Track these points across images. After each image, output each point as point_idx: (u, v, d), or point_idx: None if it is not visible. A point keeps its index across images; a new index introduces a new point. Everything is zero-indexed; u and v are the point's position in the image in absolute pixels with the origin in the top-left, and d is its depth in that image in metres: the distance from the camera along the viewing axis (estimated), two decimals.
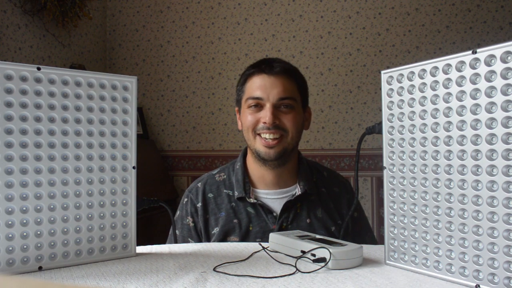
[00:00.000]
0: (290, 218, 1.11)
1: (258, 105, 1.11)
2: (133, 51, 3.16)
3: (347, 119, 2.91)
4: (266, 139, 1.09)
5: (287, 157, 1.13)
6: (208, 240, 1.13)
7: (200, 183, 1.19)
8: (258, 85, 1.11)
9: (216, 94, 3.06)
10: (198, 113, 3.08)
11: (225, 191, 1.16)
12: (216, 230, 1.11)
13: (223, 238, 1.10)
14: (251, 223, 1.11)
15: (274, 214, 1.12)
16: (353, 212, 1.17)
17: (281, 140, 1.10)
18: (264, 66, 1.13)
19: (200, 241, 1.14)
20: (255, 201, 1.12)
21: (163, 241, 1.20)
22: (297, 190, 1.15)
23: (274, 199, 1.15)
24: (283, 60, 1.17)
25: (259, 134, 1.11)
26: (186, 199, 1.19)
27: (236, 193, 1.13)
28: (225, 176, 1.19)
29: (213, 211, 1.14)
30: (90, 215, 0.78)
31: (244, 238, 1.09)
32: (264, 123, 1.09)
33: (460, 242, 0.64)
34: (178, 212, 1.20)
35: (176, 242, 1.04)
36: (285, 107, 1.11)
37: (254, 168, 1.16)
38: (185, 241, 1.15)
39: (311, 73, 2.94)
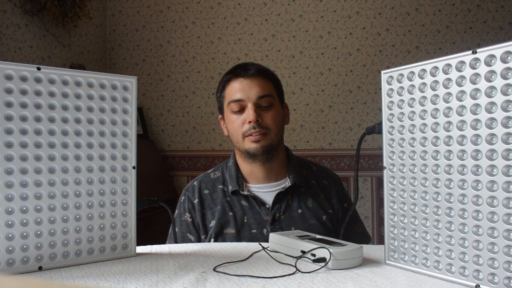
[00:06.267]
0: (282, 209, 1.16)
1: (241, 108, 1.16)
2: (133, 51, 3.16)
3: (347, 119, 2.91)
4: (253, 135, 1.15)
5: (274, 152, 1.19)
6: (206, 233, 1.17)
7: (196, 182, 1.26)
8: (237, 88, 1.17)
9: None
10: (198, 113, 3.08)
11: (220, 186, 1.22)
12: (213, 223, 1.16)
13: (220, 230, 1.15)
14: (246, 215, 1.16)
15: (267, 206, 1.17)
16: (343, 203, 1.24)
17: (265, 136, 1.15)
18: (239, 70, 1.19)
19: (198, 235, 1.18)
20: (248, 193, 1.18)
21: (163, 241, 1.20)
22: (287, 183, 1.20)
23: (266, 192, 1.20)
24: (257, 63, 1.24)
25: (245, 136, 1.16)
26: (183, 197, 1.24)
27: (230, 187, 1.19)
28: (219, 174, 1.25)
29: (210, 206, 1.19)
30: (90, 215, 0.78)
31: (239, 229, 1.14)
32: (249, 122, 1.14)
33: (460, 242, 0.64)
34: (176, 211, 1.25)
35: (176, 240, 1.06)
36: (265, 106, 1.16)
37: (245, 167, 1.22)
38: (184, 237, 1.19)
39: (311, 73, 2.94)
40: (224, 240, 1.13)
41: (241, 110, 1.16)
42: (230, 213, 1.16)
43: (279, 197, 1.17)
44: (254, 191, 1.20)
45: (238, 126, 1.16)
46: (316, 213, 1.17)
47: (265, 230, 1.13)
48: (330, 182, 1.26)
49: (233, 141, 1.21)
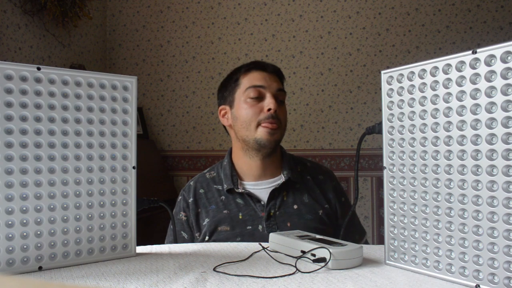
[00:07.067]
0: (277, 205, 1.17)
1: (259, 96, 1.18)
2: (133, 51, 3.16)
3: (347, 119, 2.91)
4: (270, 124, 1.16)
5: (277, 148, 1.23)
6: (199, 231, 1.18)
7: (192, 182, 1.28)
8: (259, 77, 1.20)
9: (216, 94, 3.05)
10: (198, 113, 3.08)
11: (215, 186, 1.23)
12: (206, 222, 1.17)
13: (215, 228, 1.16)
14: (241, 212, 1.17)
15: (262, 203, 1.18)
16: (340, 198, 1.25)
17: (277, 130, 1.18)
18: (261, 64, 1.24)
19: (192, 233, 1.20)
20: (243, 190, 1.19)
21: (163, 241, 1.20)
22: (282, 179, 1.21)
23: (261, 189, 1.21)
24: None
25: (260, 125, 1.17)
26: (180, 197, 1.27)
27: (225, 186, 1.20)
28: (214, 174, 1.27)
29: (204, 205, 1.21)
30: (90, 215, 0.78)
31: (234, 226, 1.15)
32: (269, 110, 1.16)
33: (460, 242, 0.64)
34: (174, 210, 1.26)
35: (175, 237, 1.06)
36: (280, 101, 1.21)
37: (242, 162, 1.23)
38: (178, 235, 1.21)
39: (311, 73, 2.94)
40: (218, 237, 1.14)
41: (259, 98, 1.18)
42: (225, 211, 1.17)
43: (274, 194, 1.18)
44: (249, 188, 1.21)
45: (254, 113, 1.17)
46: (312, 208, 1.18)
47: (260, 226, 1.14)
48: (326, 177, 1.27)
49: (239, 131, 1.20)
